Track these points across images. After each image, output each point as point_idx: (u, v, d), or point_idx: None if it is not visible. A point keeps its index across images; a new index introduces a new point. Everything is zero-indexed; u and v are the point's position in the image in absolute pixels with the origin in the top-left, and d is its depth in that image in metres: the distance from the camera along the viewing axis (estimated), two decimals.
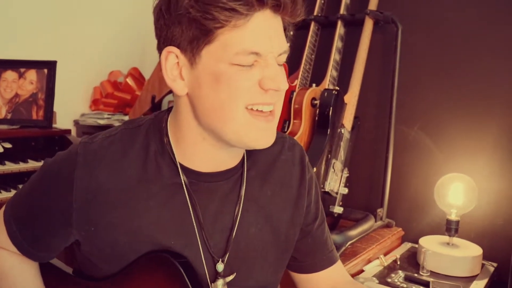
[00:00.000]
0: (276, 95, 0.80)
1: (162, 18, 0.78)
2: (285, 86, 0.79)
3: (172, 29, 0.77)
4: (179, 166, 0.85)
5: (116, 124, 2.16)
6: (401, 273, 1.64)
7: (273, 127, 0.82)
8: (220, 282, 0.88)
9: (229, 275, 0.89)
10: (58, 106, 2.02)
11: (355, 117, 1.84)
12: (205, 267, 0.87)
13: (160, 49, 0.81)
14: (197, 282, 0.83)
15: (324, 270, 1.04)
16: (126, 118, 2.23)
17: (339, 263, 1.07)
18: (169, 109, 0.91)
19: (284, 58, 0.81)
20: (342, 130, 1.72)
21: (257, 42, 0.75)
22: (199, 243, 0.87)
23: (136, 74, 2.42)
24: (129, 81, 2.34)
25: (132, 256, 0.85)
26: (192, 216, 0.86)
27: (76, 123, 2.36)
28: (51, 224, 0.88)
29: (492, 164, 1.79)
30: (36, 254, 0.93)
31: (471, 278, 1.63)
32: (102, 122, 2.16)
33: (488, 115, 1.79)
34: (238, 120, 0.78)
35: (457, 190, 1.71)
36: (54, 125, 2.00)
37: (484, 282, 1.62)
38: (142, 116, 0.93)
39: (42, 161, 1.77)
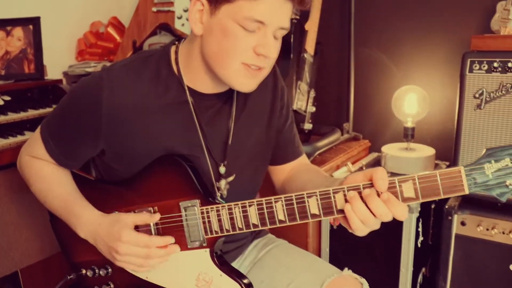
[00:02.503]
0: (265, 61, 1.00)
1: None
2: (274, 54, 1.00)
3: None
4: (186, 88, 1.07)
5: None
6: None
7: (259, 79, 1.04)
8: (223, 182, 1.12)
9: (229, 177, 1.12)
10: (46, 60, 2.17)
11: (318, 43, 2.01)
12: (211, 170, 1.11)
13: None
14: (202, 182, 1.05)
15: (292, 161, 1.28)
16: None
17: (304, 156, 1.31)
18: (171, 43, 1.11)
19: (282, 33, 1.01)
20: (305, 55, 1.90)
21: (263, 15, 0.94)
22: (205, 150, 1.10)
23: (115, 23, 2.55)
24: (110, 30, 2.48)
25: (147, 159, 1.07)
26: (198, 128, 1.09)
27: (65, 74, 2.52)
28: (83, 136, 1.09)
29: (442, 76, 2.00)
30: (70, 163, 1.16)
31: None
32: (90, 70, 2.32)
33: (438, 32, 1.98)
34: (231, 68, 0.99)
35: (411, 101, 1.93)
36: (46, 77, 2.18)
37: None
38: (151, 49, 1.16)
39: (40, 109, 1.98)
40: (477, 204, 1.68)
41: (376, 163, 2.05)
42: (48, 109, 2.00)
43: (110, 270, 1.14)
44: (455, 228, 1.69)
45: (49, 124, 1.15)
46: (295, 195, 0.92)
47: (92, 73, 1.11)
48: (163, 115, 1.07)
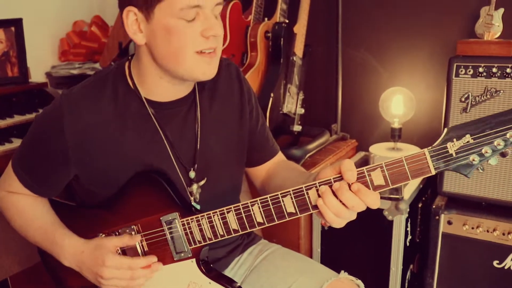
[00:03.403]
0: (215, 40, 1.01)
1: None
2: (221, 31, 1.00)
3: None
4: (144, 100, 1.08)
5: (89, 72, 2.31)
6: None
7: (216, 62, 1.05)
8: (194, 186, 1.13)
9: (200, 181, 1.14)
10: (28, 61, 2.13)
11: (306, 45, 2.03)
12: (180, 176, 1.12)
13: (121, 7, 1.01)
14: (179, 194, 1.06)
15: (269, 161, 1.30)
16: (97, 65, 2.35)
17: (279, 154, 1.33)
18: (125, 60, 1.12)
19: (219, 8, 1.01)
20: (294, 58, 1.92)
21: None
22: (172, 158, 1.11)
23: (99, 22, 2.50)
24: (94, 29, 2.44)
25: (122, 177, 1.08)
26: (163, 137, 1.10)
27: (48, 75, 2.47)
28: (53, 164, 1.10)
29: (427, 78, 2.05)
30: (46, 191, 1.16)
31: None
32: (75, 72, 2.28)
33: (424, 34, 2.02)
34: (188, 61, 0.99)
35: (398, 102, 1.97)
36: (29, 80, 2.13)
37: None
38: (105, 67, 1.16)
39: (27, 115, 1.95)
40: (462, 204, 1.74)
41: (364, 162, 2.09)
42: (35, 114, 1.97)
43: None
44: (442, 227, 1.75)
45: (19, 157, 1.16)
46: (270, 197, 0.94)
47: (54, 100, 1.11)
48: (127, 130, 1.08)
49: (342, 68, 2.12)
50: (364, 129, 2.24)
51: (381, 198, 1.73)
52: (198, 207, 1.12)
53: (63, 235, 1.11)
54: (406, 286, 1.89)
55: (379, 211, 1.75)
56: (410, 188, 1.82)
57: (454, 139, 0.82)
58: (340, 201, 0.87)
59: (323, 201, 0.88)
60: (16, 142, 1.82)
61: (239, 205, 0.97)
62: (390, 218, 1.74)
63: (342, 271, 1.22)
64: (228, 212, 0.99)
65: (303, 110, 1.99)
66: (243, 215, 0.97)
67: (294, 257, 1.31)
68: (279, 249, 1.34)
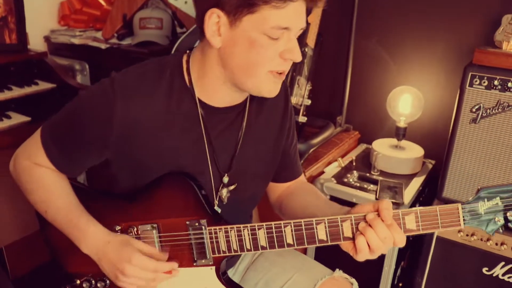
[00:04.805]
0: (290, 63, 1.00)
1: None
2: (299, 58, 0.99)
3: None
4: (197, 101, 1.06)
5: (90, 42, 2.23)
6: (355, 173, 1.93)
7: (281, 81, 1.04)
8: (224, 190, 1.14)
9: (231, 185, 1.14)
10: (26, 22, 2.03)
11: (318, 34, 1.96)
12: (212, 179, 1.12)
13: (204, 7, 0.96)
14: (208, 199, 1.05)
15: (291, 181, 1.31)
16: (99, 34, 2.27)
17: (302, 175, 1.35)
18: (182, 52, 1.09)
19: (300, 31, 1.00)
20: (306, 49, 1.86)
21: (289, 21, 0.93)
22: (209, 161, 1.10)
23: None
24: None
25: (154, 173, 1.06)
26: (205, 140, 1.09)
27: (47, 39, 2.38)
28: (90, 146, 1.07)
29: (438, 77, 2.01)
30: (71, 171, 1.14)
31: (413, 175, 1.95)
32: (76, 41, 2.20)
33: (439, 35, 1.96)
34: (259, 77, 0.99)
35: (406, 101, 1.94)
36: (28, 46, 2.05)
37: (422, 178, 1.94)
38: (161, 57, 1.10)
39: (26, 87, 1.89)
40: None
41: (366, 156, 2.09)
42: (34, 87, 1.91)
43: (108, 282, 1.14)
44: (437, 232, 1.78)
45: (52, 130, 1.11)
46: (304, 221, 0.97)
47: (102, 81, 1.05)
48: (173, 130, 1.06)
49: (353, 58, 2.06)
50: (368, 122, 2.22)
51: None
52: (219, 210, 1.12)
53: (88, 221, 1.08)
54: (395, 282, 1.94)
55: None
56: (410, 192, 1.84)
57: (485, 199, 0.89)
58: None
59: (363, 230, 0.92)
60: (15, 118, 1.78)
61: (271, 224, 0.99)
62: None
63: (337, 269, 1.26)
64: (259, 229, 1.00)
65: (309, 102, 1.95)
66: (274, 234, 0.99)
67: (290, 253, 1.34)
68: None
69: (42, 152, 1.10)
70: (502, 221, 0.88)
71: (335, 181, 1.86)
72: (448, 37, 1.94)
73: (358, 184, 1.85)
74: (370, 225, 0.92)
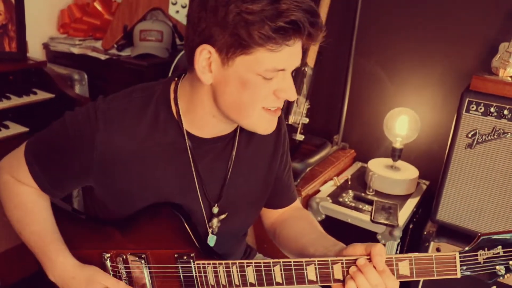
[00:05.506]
0: (284, 100, 0.97)
1: (204, 13, 0.89)
2: (294, 97, 0.96)
3: (213, 29, 0.88)
4: (185, 133, 1.03)
5: (89, 52, 2.22)
6: (351, 193, 1.94)
7: (277, 117, 1.02)
8: (215, 220, 1.12)
9: (221, 215, 1.13)
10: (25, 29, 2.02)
11: (319, 52, 1.98)
12: (203, 209, 1.10)
13: (195, 41, 0.92)
14: (198, 235, 1.04)
15: (286, 207, 1.29)
16: (98, 43, 2.26)
17: (297, 201, 1.32)
18: (171, 80, 1.06)
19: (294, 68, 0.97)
20: (306, 68, 1.88)
21: (284, 63, 0.90)
22: (198, 191, 1.08)
23: None
24: (97, 5, 2.33)
25: (139, 203, 1.05)
26: (194, 171, 1.06)
27: (45, 46, 2.37)
28: (71, 171, 1.05)
29: (435, 99, 2.04)
30: (54, 192, 1.11)
31: (408, 196, 1.97)
32: (75, 50, 2.19)
33: (437, 58, 1.99)
34: (254, 117, 0.96)
35: (403, 123, 1.97)
36: (27, 54, 2.04)
37: (417, 199, 1.96)
38: (150, 84, 1.07)
39: (24, 96, 1.88)
40: (453, 233, 1.77)
41: (361, 175, 2.10)
42: (33, 96, 1.91)
43: None
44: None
45: (36, 148, 1.09)
46: (294, 261, 0.95)
47: (87, 106, 1.03)
48: (159, 161, 1.04)
49: (351, 78, 2.09)
50: (364, 140, 2.24)
51: (376, 223, 1.77)
52: (214, 238, 1.12)
53: (58, 250, 1.07)
54: None
55: (373, 234, 1.78)
56: (404, 213, 1.85)
57: (486, 248, 0.84)
58: None
59: (354, 275, 0.89)
60: (13, 128, 1.77)
61: (260, 262, 0.97)
62: (383, 242, 1.77)
63: None
64: (247, 266, 0.98)
65: (307, 120, 1.97)
66: (263, 272, 0.97)
67: None
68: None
69: (26, 168, 1.08)
70: (503, 271, 0.83)
71: (330, 201, 1.87)
72: (446, 61, 1.97)
73: (353, 204, 1.86)
74: (361, 271, 0.89)
